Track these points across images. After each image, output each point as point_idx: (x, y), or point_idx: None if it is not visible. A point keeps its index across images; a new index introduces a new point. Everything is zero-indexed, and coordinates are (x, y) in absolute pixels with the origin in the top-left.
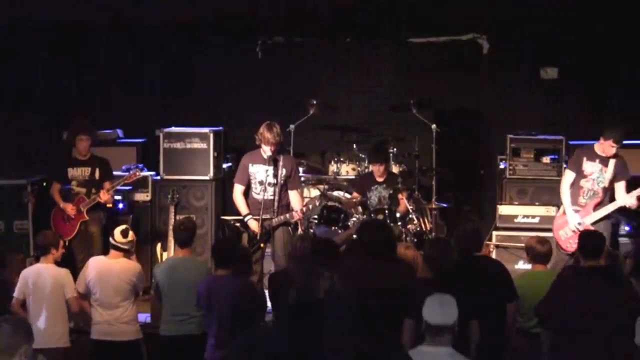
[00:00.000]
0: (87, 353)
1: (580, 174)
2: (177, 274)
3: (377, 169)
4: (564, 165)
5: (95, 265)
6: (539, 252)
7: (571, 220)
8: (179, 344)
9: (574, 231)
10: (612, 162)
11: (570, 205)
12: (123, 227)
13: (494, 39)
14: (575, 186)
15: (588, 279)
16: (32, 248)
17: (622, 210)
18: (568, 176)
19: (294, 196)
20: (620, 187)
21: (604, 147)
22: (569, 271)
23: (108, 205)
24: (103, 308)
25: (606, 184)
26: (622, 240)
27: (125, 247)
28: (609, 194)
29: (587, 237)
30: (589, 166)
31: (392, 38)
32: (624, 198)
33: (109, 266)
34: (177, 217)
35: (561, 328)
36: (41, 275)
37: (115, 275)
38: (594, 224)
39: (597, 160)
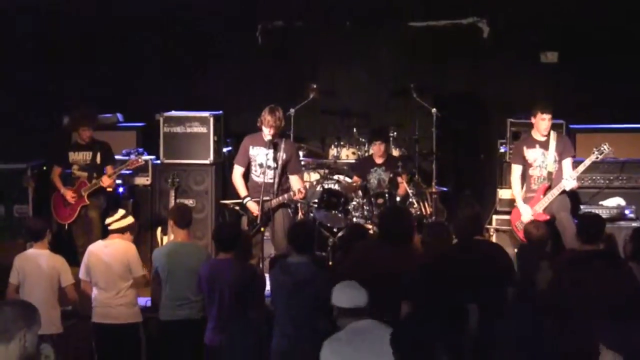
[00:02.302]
0: (86, 338)
1: (526, 164)
2: (176, 258)
3: (377, 149)
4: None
5: (92, 249)
6: (534, 236)
7: (523, 211)
8: (179, 329)
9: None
10: (552, 143)
11: (520, 197)
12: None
13: (495, 23)
14: (526, 176)
15: (587, 264)
16: None
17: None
18: (515, 170)
19: (294, 181)
20: (566, 165)
21: (538, 125)
22: (569, 256)
23: (108, 190)
24: (101, 290)
25: (551, 167)
26: (623, 224)
27: (115, 226)
28: (562, 174)
29: (586, 222)
30: (530, 154)
31: (392, 22)
32: (565, 183)
33: (104, 248)
34: (178, 201)
35: (560, 313)
36: (36, 262)
37: (109, 256)
38: (547, 207)
39: (537, 146)
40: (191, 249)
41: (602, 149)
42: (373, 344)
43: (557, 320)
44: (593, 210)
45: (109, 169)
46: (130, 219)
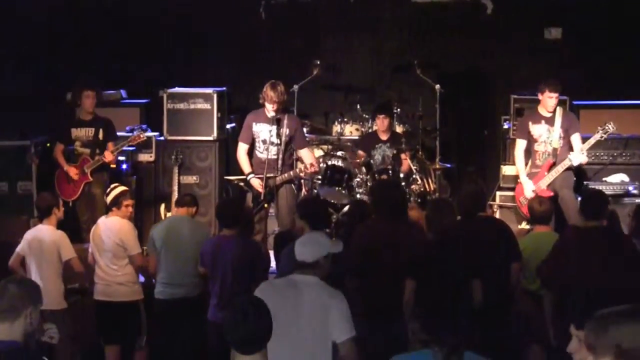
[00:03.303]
0: (91, 314)
1: (531, 139)
2: (173, 233)
3: (381, 122)
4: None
5: (96, 226)
6: (537, 212)
7: (526, 187)
8: (175, 307)
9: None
10: (558, 120)
11: (523, 172)
12: None
13: None
14: (531, 151)
15: (590, 240)
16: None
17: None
18: (519, 144)
19: (305, 154)
20: (575, 140)
21: (545, 102)
22: (572, 232)
23: (112, 166)
24: (100, 268)
25: (557, 143)
26: (626, 200)
27: (109, 199)
28: (567, 151)
29: (589, 198)
30: (536, 129)
31: None
32: (573, 156)
33: (102, 225)
34: (181, 178)
35: (562, 289)
36: (38, 237)
37: (105, 233)
38: (551, 183)
39: (543, 122)
40: (188, 223)
41: (606, 128)
42: (301, 299)
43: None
44: (596, 187)
45: (110, 145)
46: (120, 188)
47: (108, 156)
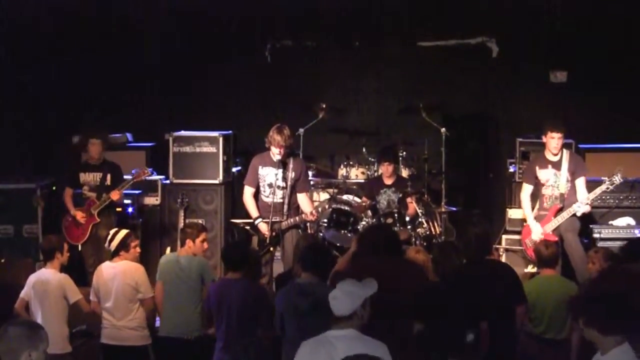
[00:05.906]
0: (95, 358)
1: (538, 184)
2: (172, 271)
3: (385, 169)
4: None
5: (99, 270)
6: (543, 255)
7: (534, 229)
8: (173, 346)
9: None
10: (565, 164)
11: (530, 215)
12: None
13: (504, 43)
14: (539, 195)
15: (625, 276)
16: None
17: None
18: (525, 189)
19: (302, 199)
20: (579, 185)
21: (549, 144)
22: (610, 269)
23: (118, 209)
24: (110, 313)
25: (563, 188)
26: None
27: (113, 245)
28: (574, 194)
29: (632, 242)
30: (543, 174)
31: (401, 42)
32: (578, 206)
33: (111, 269)
34: (187, 221)
35: None
36: (42, 280)
37: (116, 277)
38: (556, 228)
39: (550, 166)
40: (185, 260)
41: (613, 179)
42: (336, 355)
43: None
44: (602, 230)
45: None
46: (123, 231)
47: (114, 195)
